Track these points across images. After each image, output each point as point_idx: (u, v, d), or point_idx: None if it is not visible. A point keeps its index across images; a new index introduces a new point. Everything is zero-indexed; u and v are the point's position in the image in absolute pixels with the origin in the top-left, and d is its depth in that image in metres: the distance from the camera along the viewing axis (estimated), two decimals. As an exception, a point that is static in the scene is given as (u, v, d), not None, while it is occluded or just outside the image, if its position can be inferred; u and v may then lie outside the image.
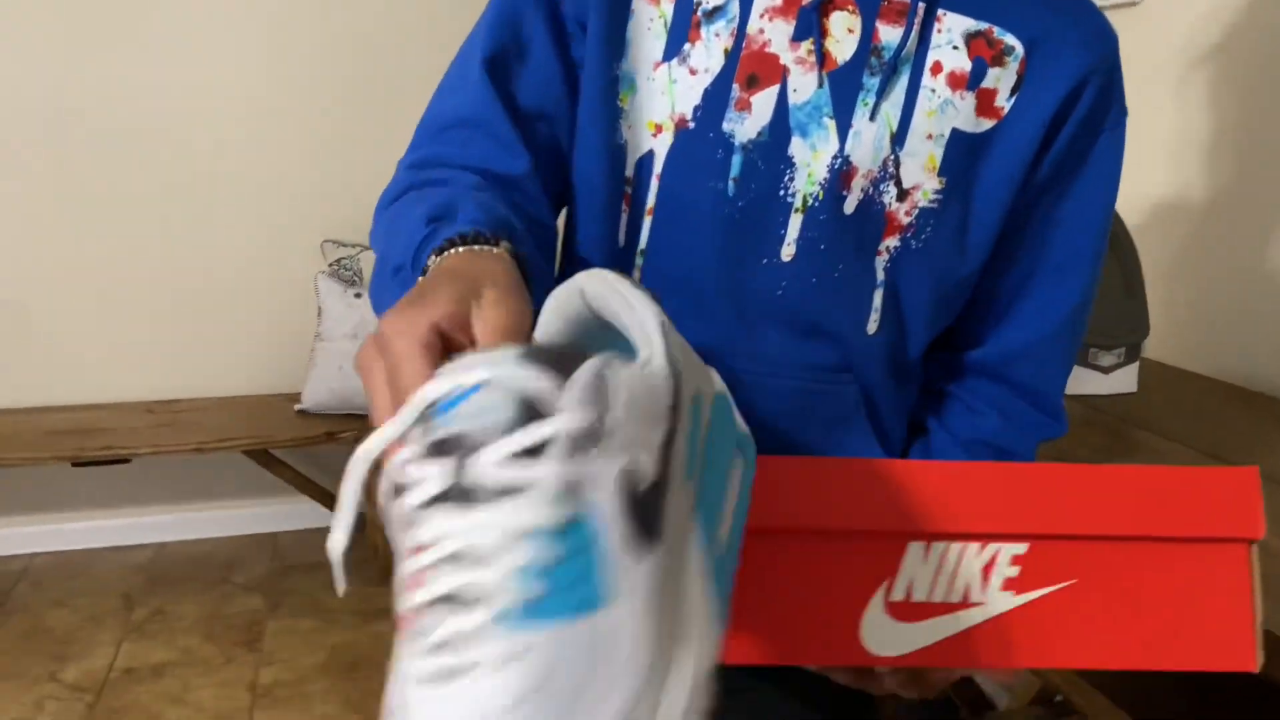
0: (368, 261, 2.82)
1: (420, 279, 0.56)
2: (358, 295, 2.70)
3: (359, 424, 2.63)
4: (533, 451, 0.34)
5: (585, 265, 0.74)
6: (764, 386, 0.76)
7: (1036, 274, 0.81)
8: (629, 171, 0.75)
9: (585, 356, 0.36)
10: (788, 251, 0.74)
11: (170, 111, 2.71)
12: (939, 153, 0.73)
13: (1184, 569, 0.54)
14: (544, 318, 0.51)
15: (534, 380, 0.35)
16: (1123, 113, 0.77)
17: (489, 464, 0.34)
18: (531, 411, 0.35)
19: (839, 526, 0.52)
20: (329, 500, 2.88)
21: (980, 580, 0.54)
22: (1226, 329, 1.61)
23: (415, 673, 0.33)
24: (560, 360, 0.36)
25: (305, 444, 2.58)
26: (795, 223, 0.74)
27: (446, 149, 0.75)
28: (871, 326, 0.77)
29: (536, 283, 0.59)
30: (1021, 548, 0.54)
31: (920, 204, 0.74)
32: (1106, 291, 1.34)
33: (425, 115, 0.80)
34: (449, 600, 0.33)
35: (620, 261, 0.77)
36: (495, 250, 0.56)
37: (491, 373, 0.35)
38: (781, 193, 0.73)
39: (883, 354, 0.79)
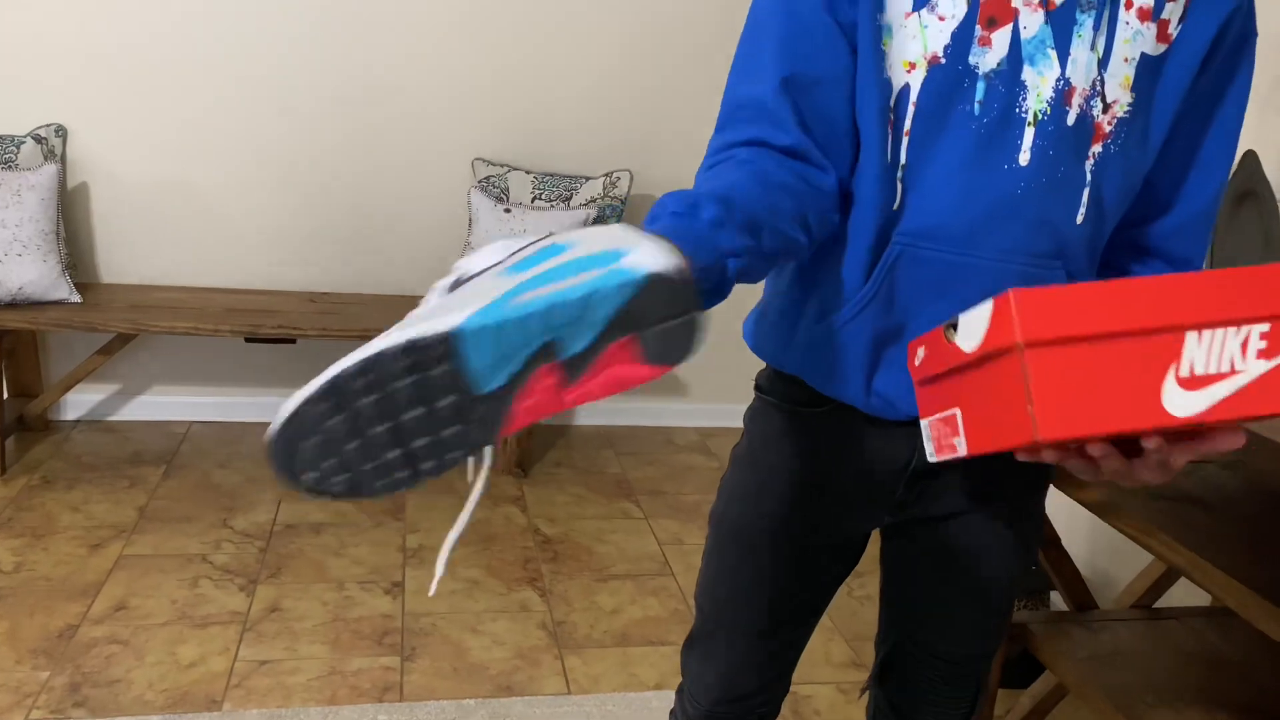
0: (515, 181, 3.04)
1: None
2: (507, 210, 2.92)
3: (500, 328, 2.86)
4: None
5: (864, 178, 0.95)
6: (1000, 271, 0.96)
7: (1192, 165, 1.01)
8: (891, 102, 0.94)
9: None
10: (1024, 158, 0.93)
11: (344, 28, 2.94)
12: (1132, 73, 0.92)
13: None
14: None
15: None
16: (1255, 33, 0.97)
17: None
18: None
19: (1140, 327, 0.73)
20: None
21: (1240, 353, 0.74)
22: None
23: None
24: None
25: (453, 341, 2.82)
26: (1029, 135, 0.93)
27: (735, 132, 0.95)
28: (1079, 218, 0.96)
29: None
30: (1266, 326, 0.74)
31: (1119, 115, 0.93)
32: (1246, 245, 1.51)
33: (728, 95, 0.98)
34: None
35: (887, 174, 0.96)
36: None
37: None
38: (1018, 110, 0.92)
39: (1085, 241, 0.99)
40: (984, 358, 0.81)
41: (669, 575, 2.49)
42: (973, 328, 0.81)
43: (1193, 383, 0.73)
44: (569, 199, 3.04)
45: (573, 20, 3.08)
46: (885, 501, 1.06)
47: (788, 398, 1.07)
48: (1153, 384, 0.74)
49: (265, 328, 2.74)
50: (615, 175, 3.07)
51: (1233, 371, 0.74)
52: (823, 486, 1.07)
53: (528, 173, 3.06)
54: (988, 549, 1.10)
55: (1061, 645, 1.61)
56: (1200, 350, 0.74)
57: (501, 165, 3.07)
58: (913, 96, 0.93)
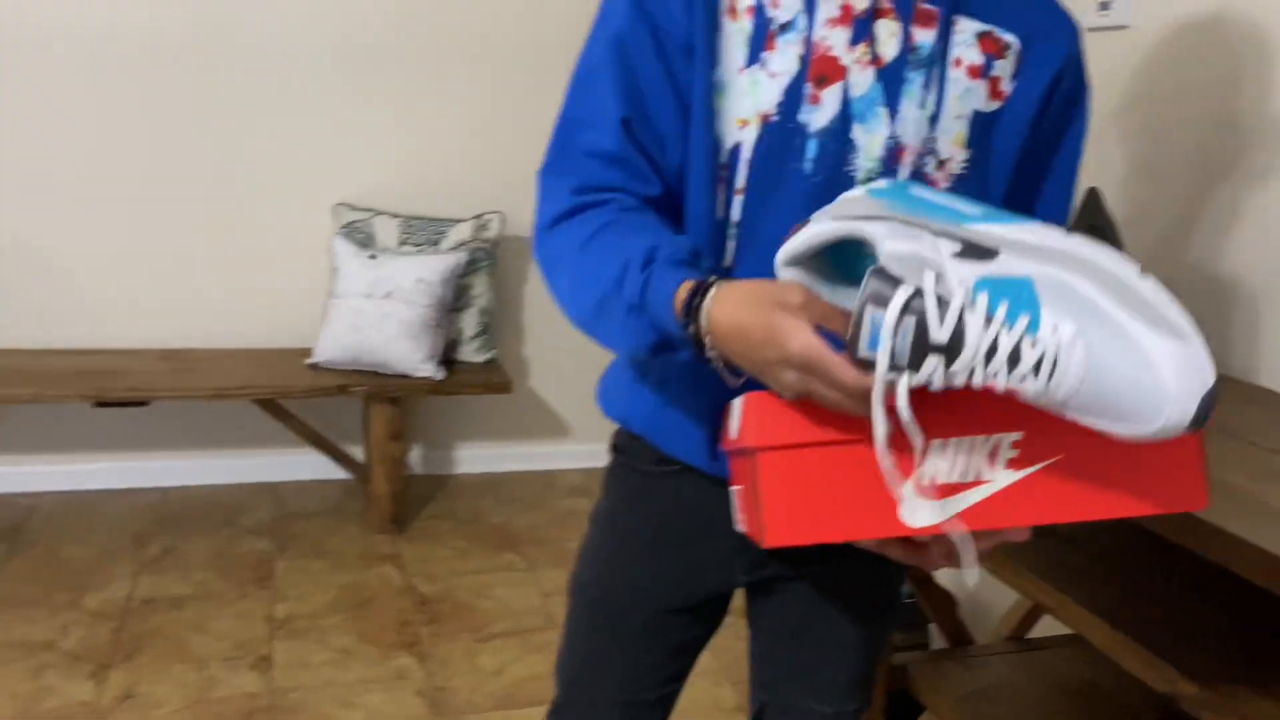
0: (380, 226, 2.95)
1: (729, 310, 0.77)
2: (372, 257, 2.83)
3: (369, 379, 2.76)
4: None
5: (694, 236, 0.93)
6: None
7: (1035, 213, 1.00)
8: (723, 159, 0.92)
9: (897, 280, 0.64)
10: None
11: (195, 68, 2.82)
12: (965, 130, 0.92)
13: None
14: (801, 250, 0.74)
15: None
16: (1087, 87, 0.98)
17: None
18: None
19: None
20: (332, 452, 3.01)
21: (988, 462, 0.71)
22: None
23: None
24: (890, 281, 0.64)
25: (320, 395, 2.71)
26: None
27: (598, 178, 0.92)
28: None
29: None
30: (1019, 434, 0.71)
31: (954, 172, 0.93)
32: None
33: (565, 137, 0.95)
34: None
35: (719, 231, 0.94)
36: (719, 280, 0.80)
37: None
38: (848, 169, 0.91)
39: None
40: (741, 450, 0.79)
41: (554, 629, 2.42)
42: (735, 417, 0.79)
43: (932, 491, 0.71)
44: (438, 243, 2.97)
45: (439, 59, 3.02)
46: (741, 561, 1.04)
47: (640, 457, 1.05)
48: (889, 493, 0.71)
49: (115, 390, 2.58)
50: (485, 217, 3.02)
51: (977, 481, 0.71)
52: (678, 548, 1.04)
53: (394, 216, 2.98)
54: (849, 604, 1.08)
55: (939, 684, 1.61)
56: (942, 460, 0.71)
57: (366, 210, 2.98)
58: (745, 154, 0.91)
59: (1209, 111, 1.78)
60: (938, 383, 0.64)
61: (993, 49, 0.92)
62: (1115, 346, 0.59)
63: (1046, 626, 1.93)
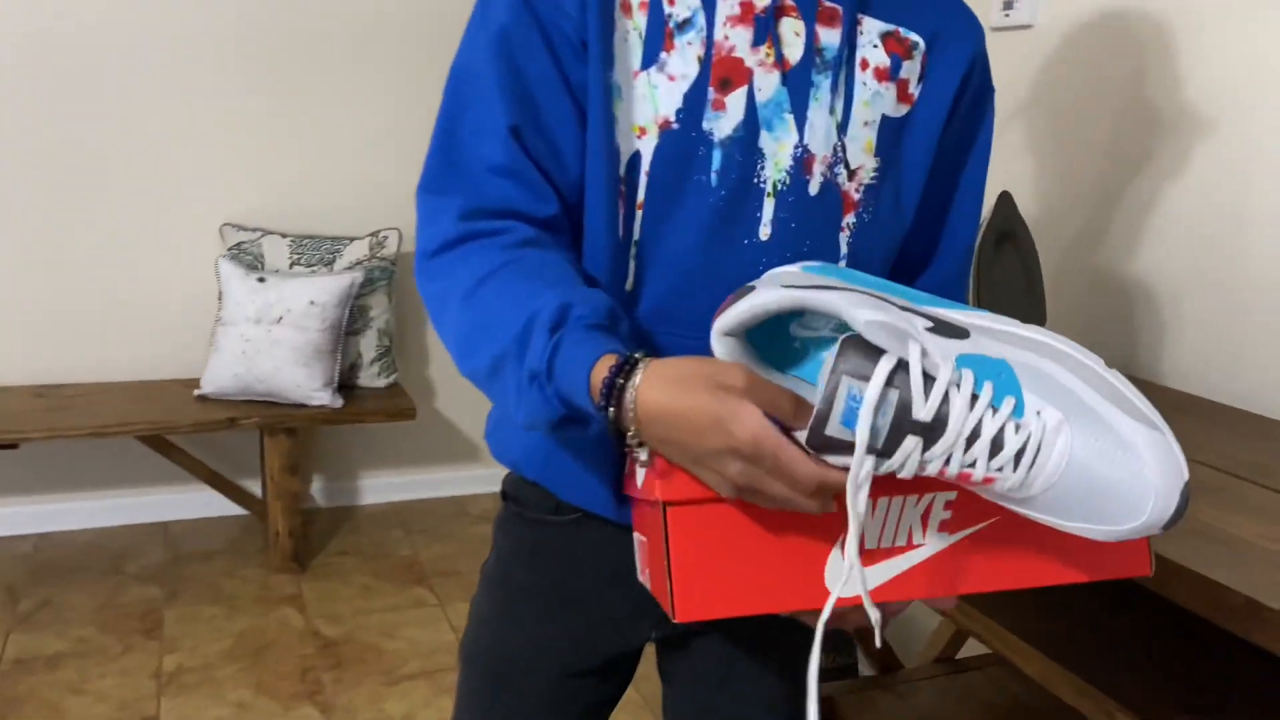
0: (270, 246, 2.79)
1: (662, 392, 0.66)
2: (261, 280, 2.67)
3: (262, 410, 2.60)
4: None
5: (593, 256, 0.83)
6: None
7: (943, 225, 0.95)
8: (621, 171, 0.83)
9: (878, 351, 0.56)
10: (765, 232, 0.84)
11: (69, 84, 2.63)
12: (874, 136, 0.85)
13: None
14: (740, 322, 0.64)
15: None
16: (992, 88, 0.93)
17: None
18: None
19: None
20: (226, 488, 2.83)
21: (920, 525, 0.63)
22: (1103, 324, 1.79)
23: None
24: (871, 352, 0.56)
25: (208, 429, 2.54)
26: (769, 207, 0.83)
27: (489, 198, 0.81)
28: None
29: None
30: (953, 495, 0.63)
31: (865, 181, 0.86)
32: (1009, 288, 1.49)
33: (446, 149, 0.84)
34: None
35: (620, 251, 0.84)
36: (647, 358, 0.68)
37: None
38: (756, 180, 0.83)
39: None
40: (647, 501, 0.69)
41: (466, 667, 2.30)
42: (641, 464, 0.69)
43: (861, 557, 0.62)
44: (332, 262, 2.82)
45: (329, 70, 2.87)
46: (648, 615, 0.94)
47: (535, 506, 0.94)
48: (814, 559, 0.62)
49: (-22, 434, 2.37)
50: (382, 234, 2.88)
51: (909, 546, 0.63)
52: (579, 604, 0.94)
53: (284, 236, 2.82)
54: (770, 651, 0.99)
55: (868, 715, 1.53)
56: (872, 522, 0.62)
57: (254, 230, 2.82)
58: (644, 165, 0.82)
59: (1116, 109, 1.75)
60: (910, 469, 0.56)
61: (898, 49, 0.85)
62: (1100, 434, 0.53)
63: (976, 644, 1.88)
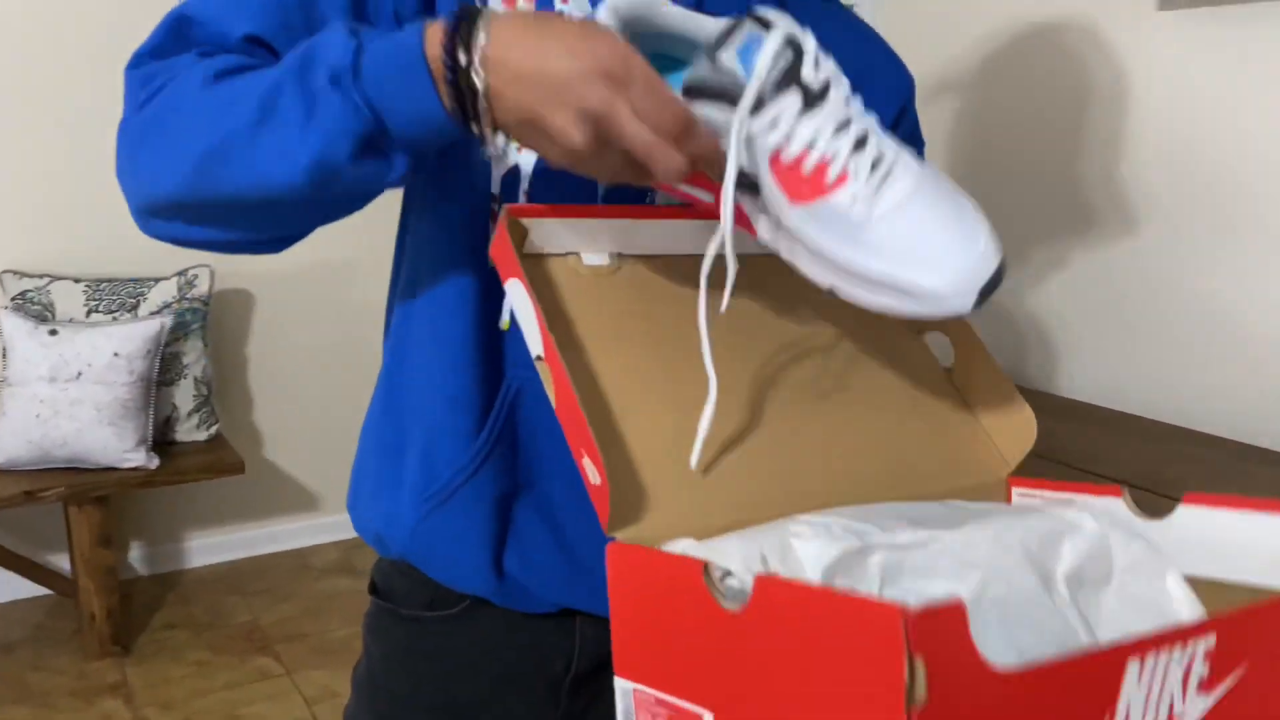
0: (60, 293, 2.50)
1: (518, 28, 0.56)
2: (52, 332, 2.38)
3: (65, 479, 2.32)
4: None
5: (453, 305, 0.73)
6: None
7: None
8: (495, 189, 0.72)
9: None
10: None
11: None
12: None
13: None
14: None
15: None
16: (923, 143, 0.88)
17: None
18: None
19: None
20: (27, 568, 2.52)
21: (1181, 690, 0.49)
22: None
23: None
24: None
25: (2, 506, 2.24)
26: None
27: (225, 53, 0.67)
28: None
29: None
30: (1211, 639, 0.49)
31: None
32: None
33: (175, 32, 0.71)
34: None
35: (487, 293, 0.74)
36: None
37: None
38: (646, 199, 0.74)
39: None
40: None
41: (324, 742, 2.11)
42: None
43: None
44: (135, 307, 2.55)
45: (115, 97, 2.59)
46: (554, 715, 0.82)
47: (408, 599, 0.81)
48: None
49: None
50: (191, 273, 2.63)
51: (1170, 718, 0.48)
52: (466, 714, 0.81)
53: (76, 281, 2.53)
54: None
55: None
56: (1138, 689, 0.47)
57: (41, 276, 2.52)
58: (524, 185, 0.72)
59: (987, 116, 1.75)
60: (780, 131, 0.56)
61: None
62: (946, 194, 0.58)
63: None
